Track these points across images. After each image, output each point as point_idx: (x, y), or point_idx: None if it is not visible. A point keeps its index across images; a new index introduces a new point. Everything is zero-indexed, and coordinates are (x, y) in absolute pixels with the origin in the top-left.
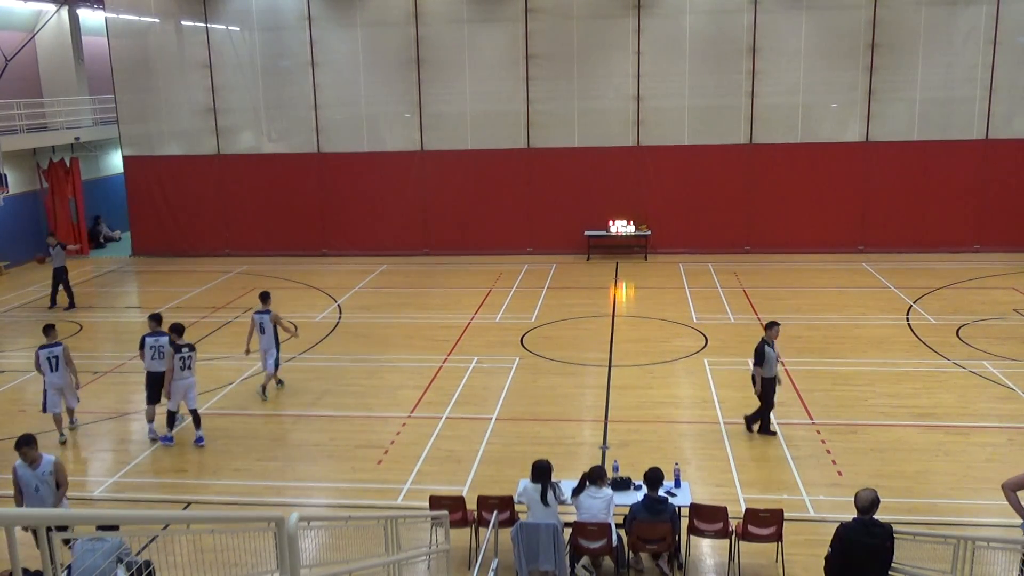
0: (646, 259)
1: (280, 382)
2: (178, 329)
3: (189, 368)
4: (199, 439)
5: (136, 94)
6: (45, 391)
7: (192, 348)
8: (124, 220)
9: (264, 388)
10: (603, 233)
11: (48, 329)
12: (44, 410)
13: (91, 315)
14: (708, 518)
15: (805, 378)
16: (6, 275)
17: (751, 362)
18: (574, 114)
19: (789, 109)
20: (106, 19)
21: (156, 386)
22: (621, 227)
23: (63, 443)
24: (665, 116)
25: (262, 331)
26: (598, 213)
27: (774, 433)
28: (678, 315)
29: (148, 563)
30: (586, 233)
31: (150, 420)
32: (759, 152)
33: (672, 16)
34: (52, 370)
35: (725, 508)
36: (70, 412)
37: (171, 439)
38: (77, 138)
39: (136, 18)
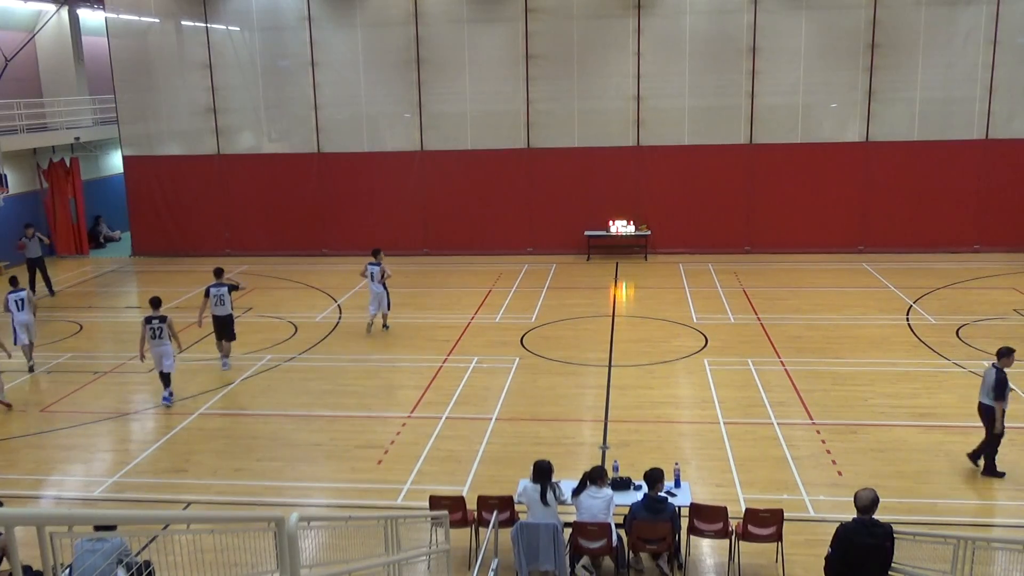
0: (646, 259)
1: (378, 327)
2: (154, 302)
3: (159, 337)
4: (166, 398)
5: (136, 94)
6: (14, 328)
7: (163, 319)
8: (124, 220)
9: (384, 325)
10: (603, 233)
11: (13, 280)
12: (15, 343)
13: (91, 315)
14: (708, 518)
15: (805, 378)
16: (6, 275)
17: (988, 397)
18: (574, 114)
19: (789, 109)
20: (106, 19)
21: (220, 327)
22: (621, 227)
23: (32, 369)
24: (665, 116)
25: (372, 279)
26: (598, 213)
27: (1002, 474)
28: (678, 315)
29: (148, 563)
30: (586, 233)
31: (222, 351)
32: (759, 152)
33: (672, 16)
34: (19, 310)
35: (725, 508)
36: (31, 346)
37: (169, 399)
38: (77, 138)
39: (136, 18)
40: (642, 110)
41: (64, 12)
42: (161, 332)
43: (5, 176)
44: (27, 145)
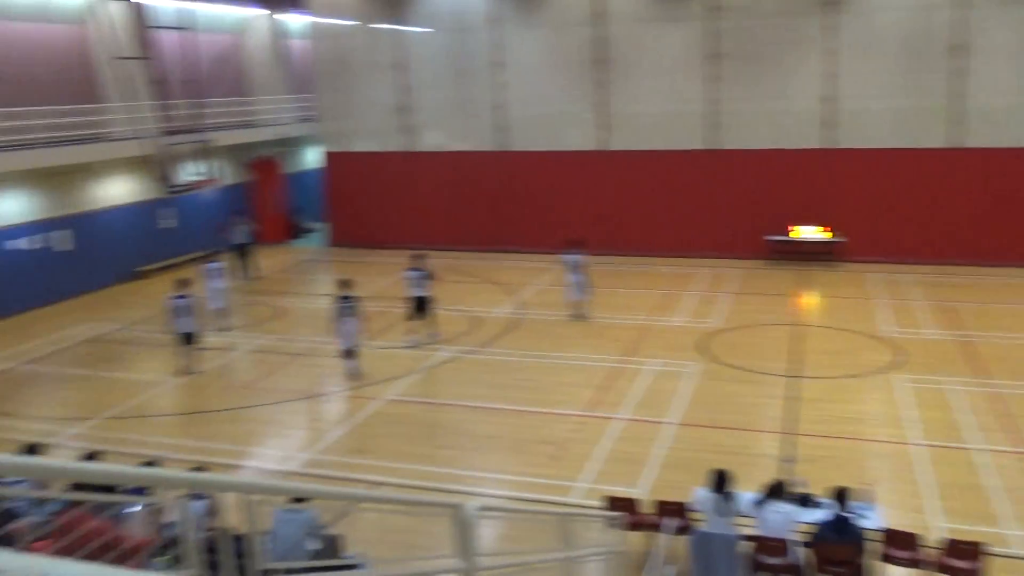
0: (835, 267)
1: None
2: (344, 284)
3: (349, 315)
4: (351, 370)
5: (334, 93)
6: (211, 294)
7: (353, 299)
8: (321, 212)
9: (583, 314)
10: (789, 239)
11: (212, 254)
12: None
13: (287, 301)
14: (900, 545)
15: (1013, 401)
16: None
17: None
18: (760, 115)
19: (1008, 111)
20: (309, 23)
21: (417, 307)
22: (808, 233)
23: (228, 329)
24: (859, 118)
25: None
26: (784, 218)
27: None
28: (870, 327)
29: (338, 537)
30: (771, 238)
31: (412, 330)
32: (966, 157)
33: (869, 13)
34: (215, 278)
35: (919, 536)
36: (227, 311)
37: (356, 370)
38: (281, 135)
39: (336, 21)
40: (834, 111)
41: (271, 17)
42: (351, 311)
43: (217, 169)
44: (237, 141)
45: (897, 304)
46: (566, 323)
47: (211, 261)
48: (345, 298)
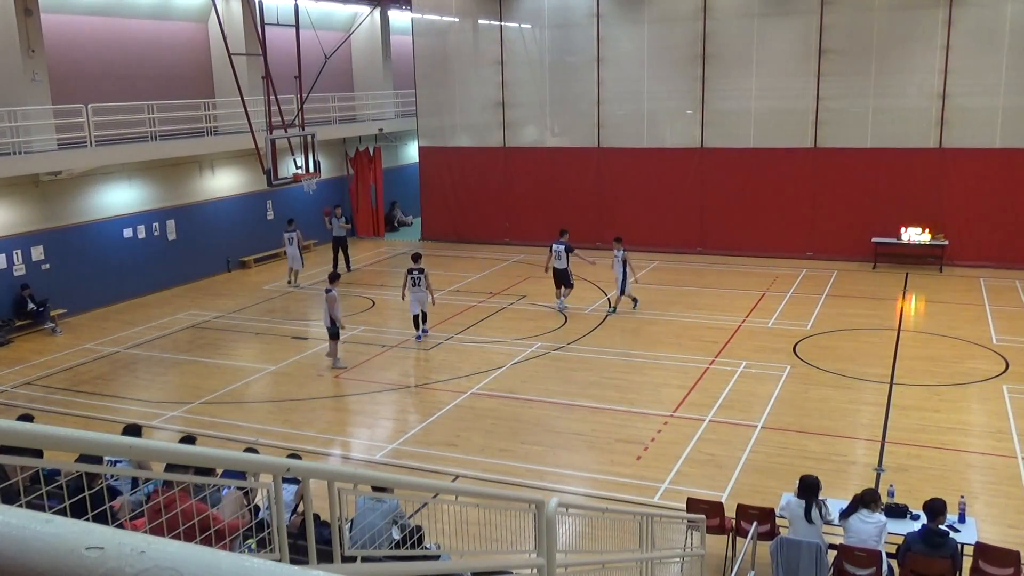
0: (941, 271)
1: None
2: (415, 257)
3: (418, 285)
4: (418, 336)
5: (434, 89)
6: (288, 256)
7: (421, 271)
8: (416, 206)
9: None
10: (893, 241)
11: (289, 220)
12: (294, 267)
13: (382, 293)
14: (997, 561)
15: None
16: (315, 251)
17: None
18: (868, 113)
19: None
20: (412, 19)
21: (557, 278)
22: (914, 235)
23: (296, 285)
24: (974, 116)
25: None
26: (889, 219)
27: None
28: (975, 335)
29: (419, 528)
30: (874, 240)
31: (558, 297)
32: None
33: (991, 5)
34: (290, 244)
35: (1018, 553)
36: (297, 273)
37: (420, 337)
38: (381, 129)
39: (438, 18)
40: (947, 109)
41: (376, 13)
42: (419, 281)
43: (319, 163)
44: (338, 135)
45: (1004, 311)
46: (655, 321)
47: (288, 229)
48: (413, 270)
